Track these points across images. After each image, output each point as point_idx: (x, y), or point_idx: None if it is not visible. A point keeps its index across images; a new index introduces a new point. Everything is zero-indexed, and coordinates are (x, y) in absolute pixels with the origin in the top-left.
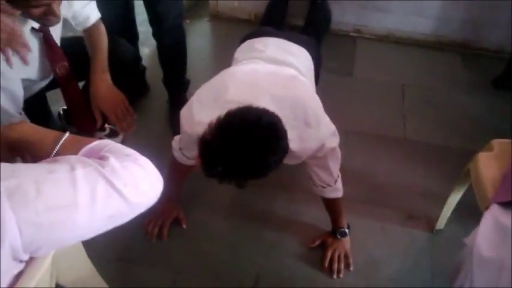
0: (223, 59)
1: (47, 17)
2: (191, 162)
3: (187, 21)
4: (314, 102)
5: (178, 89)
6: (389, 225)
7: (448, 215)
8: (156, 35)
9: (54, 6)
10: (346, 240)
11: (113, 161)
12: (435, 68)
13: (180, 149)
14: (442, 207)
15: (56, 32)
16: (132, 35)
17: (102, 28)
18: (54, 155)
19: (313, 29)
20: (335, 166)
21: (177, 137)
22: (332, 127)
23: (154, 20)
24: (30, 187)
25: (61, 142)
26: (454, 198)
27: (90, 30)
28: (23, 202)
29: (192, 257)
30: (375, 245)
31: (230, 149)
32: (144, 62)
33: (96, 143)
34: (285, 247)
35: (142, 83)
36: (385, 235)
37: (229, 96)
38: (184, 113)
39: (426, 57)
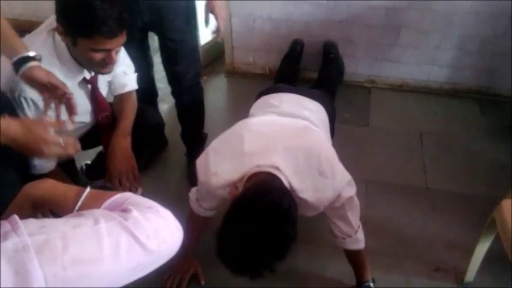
0: (239, 113)
1: (105, 64)
2: (208, 214)
3: (205, 78)
4: (328, 151)
5: (197, 143)
6: (415, 278)
7: (477, 266)
8: (174, 93)
9: (113, 53)
10: None
11: (135, 213)
12: (452, 115)
13: (197, 200)
14: (469, 258)
15: (102, 84)
16: (151, 93)
17: (134, 98)
18: (77, 210)
19: (326, 81)
20: (354, 216)
21: (194, 189)
22: (347, 176)
23: (172, 79)
24: (58, 242)
25: (83, 197)
26: (482, 248)
27: (122, 97)
28: (51, 257)
29: None
30: None
31: (244, 234)
32: (163, 116)
33: (118, 196)
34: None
35: (162, 138)
36: None
37: (245, 147)
38: (200, 162)
39: (442, 104)
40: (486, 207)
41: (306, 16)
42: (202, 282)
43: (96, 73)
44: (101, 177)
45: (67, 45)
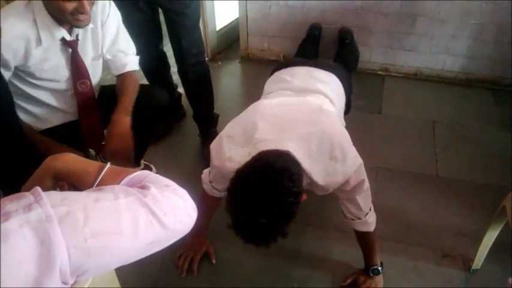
0: (253, 99)
1: (78, 15)
2: (221, 195)
3: (219, 63)
4: (340, 136)
5: (208, 124)
6: (423, 264)
7: (485, 254)
8: (180, 71)
9: (85, 3)
10: (379, 280)
11: (154, 190)
12: (466, 105)
13: (210, 182)
14: (478, 246)
15: (87, 58)
16: (162, 64)
17: (135, 77)
18: (96, 185)
19: (342, 63)
20: (363, 200)
21: (206, 171)
22: (358, 161)
23: (178, 55)
24: (79, 214)
25: (103, 172)
26: (491, 237)
27: (123, 76)
28: (73, 228)
29: None
30: (409, 285)
31: (247, 200)
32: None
33: (137, 173)
34: (315, 285)
35: (179, 109)
36: (419, 274)
37: (258, 134)
38: (214, 147)
39: (456, 94)
40: (496, 197)
41: (321, 3)
42: (214, 261)
43: (73, 26)
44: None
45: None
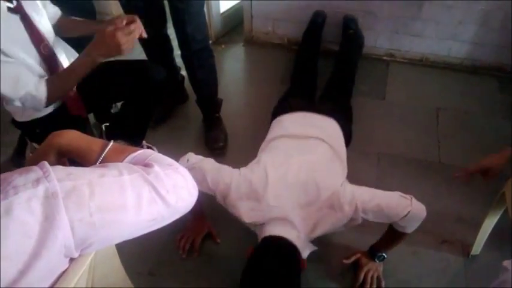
0: (256, 82)
1: None
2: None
3: (223, 46)
4: (335, 188)
5: (212, 109)
6: (422, 249)
7: (484, 240)
8: (185, 56)
9: None
10: (379, 265)
11: (157, 168)
12: (471, 92)
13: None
14: (477, 232)
15: (36, 17)
16: (166, 48)
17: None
18: (100, 163)
19: (347, 60)
20: (379, 217)
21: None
22: (354, 203)
23: (182, 41)
24: (85, 189)
25: (107, 150)
26: (490, 223)
27: (65, 18)
28: (78, 203)
29: (223, 274)
30: (408, 269)
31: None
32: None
33: (140, 151)
34: (316, 267)
35: (182, 91)
36: (418, 259)
37: (263, 198)
38: (221, 187)
39: (461, 81)
40: (497, 184)
41: None
42: (218, 241)
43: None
44: (120, 138)
45: None
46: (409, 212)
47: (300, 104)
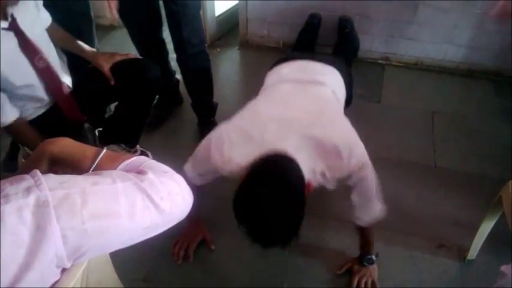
0: (251, 86)
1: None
2: (203, 181)
3: (218, 50)
4: (346, 136)
5: (207, 113)
6: (419, 253)
7: (480, 244)
8: (180, 60)
9: None
10: (374, 268)
11: (151, 175)
12: (466, 96)
13: (200, 174)
14: (473, 237)
15: (29, 30)
16: (161, 50)
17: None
18: (93, 170)
19: (341, 54)
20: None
21: (188, 166)
22: (363, 160)
23: (178, 45)
24: (77, 197)
25: (99, 157)
26: (486, 227)
27: (54, 28)
28: (71, 211)
29: (218, 280)
30: (404, 274)
31: (260, 209)
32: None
33: (134, 158)
34: (311, 273)
35: (177, 95)
36: (415, 264)
37: (260, 135)
38: (211, 145)
39: (457, 84)
40: (494, 188)
41: None
42: (213, 247)
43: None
44: (113, 143)
45: None
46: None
47: (300, 55)
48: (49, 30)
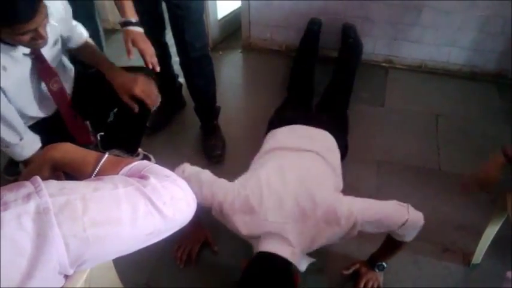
0: (254, 89)
1: (36, 41)
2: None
3: (220, 53)
4: (331, 202)
5: (210, 116)
6: (423, 258)
7: (485, 248)
8: (183, 64)
9: (41, 30)
10: (380, 274)
11: (153, 180)
12: (470, 99)
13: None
14: (478, 241)
15: (48, 53)
16: (164, 54)
17: (94, 44)
18: (95, 175)
19: (345, 68)
20: (377, 227)
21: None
22: (348, 213)
23: (181, 49)
24: (78, 204)
25: (102, 162)
26: (491, 231)
27: (86, 44)
28: (72, 218)
29: (221, 284)
30: (409, 278)
31: None
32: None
33: (136, 163)
34: (317, 277)
35: (180, 98)
36: (420, 268)
37: (263, 219)
38: (215, 203)
39: (461, 87)
40: (499, 192)
41: None
42: (216, 248)
43: (32, 48)
44: (114, 147)
45: None
46: (406, 220)
47: (295, 117)
48: (81, 46)
